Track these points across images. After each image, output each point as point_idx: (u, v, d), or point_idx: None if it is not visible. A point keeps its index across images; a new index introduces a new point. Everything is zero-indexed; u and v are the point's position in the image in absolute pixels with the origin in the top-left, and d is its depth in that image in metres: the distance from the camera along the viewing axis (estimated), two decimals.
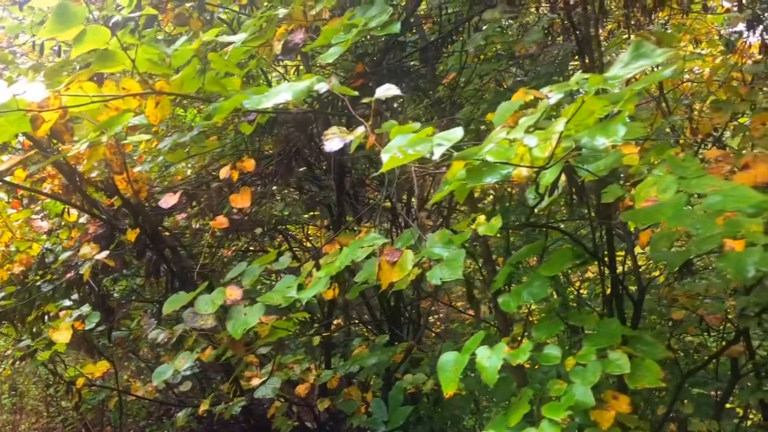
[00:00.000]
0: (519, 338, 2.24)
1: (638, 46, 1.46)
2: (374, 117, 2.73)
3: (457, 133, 1.55)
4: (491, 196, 5.00)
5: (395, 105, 4.29)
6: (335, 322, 5.68)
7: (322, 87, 2.17)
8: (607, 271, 3.59)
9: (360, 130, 2.08)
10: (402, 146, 1.62)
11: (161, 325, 3.13)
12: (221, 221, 2.93)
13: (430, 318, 5.86)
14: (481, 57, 4.06)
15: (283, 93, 2.10)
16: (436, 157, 1.51)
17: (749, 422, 4.79)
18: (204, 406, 3.19)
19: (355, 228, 4.07)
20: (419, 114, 3.91)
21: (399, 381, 3.56)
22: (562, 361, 1.93)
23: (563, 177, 2.12)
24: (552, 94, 1.47)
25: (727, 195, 1.78)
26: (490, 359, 1.86)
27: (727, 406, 5.14)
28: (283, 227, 4.69)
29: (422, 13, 4.05)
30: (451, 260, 2.08)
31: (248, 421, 3.77)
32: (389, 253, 2.20)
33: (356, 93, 2.22)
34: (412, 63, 3.91)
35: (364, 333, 5.11)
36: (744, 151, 3.71)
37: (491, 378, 1.84)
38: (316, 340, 3.23)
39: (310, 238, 5.06)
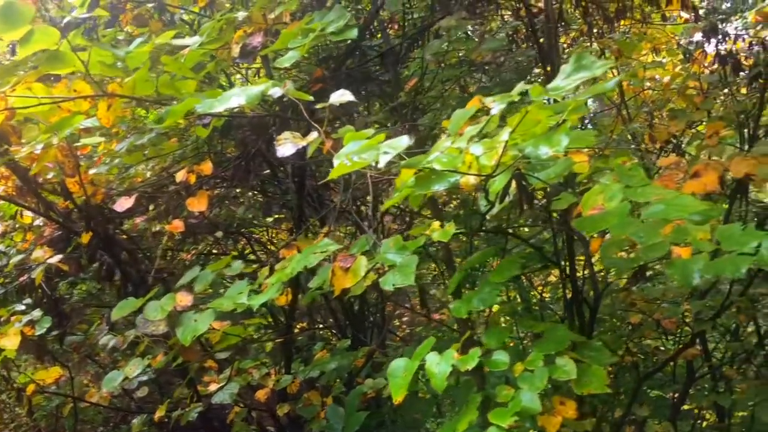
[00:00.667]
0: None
1: (579, 58, 1.48)
2: (330, 122, 2.73)
3: (403, 141, 1.56)
4: (456, 201, 5.04)
5: (360, 109, 4.29)
6: (299, 326, 5.67)
7: (276, 92, 2.16)
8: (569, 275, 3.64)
9: (313, 135, 2.07)
10: (349, 153, 1.62)
11: (118, 330, 3.08)
12: (177, 225, 2.90)
13: (396, 322, 5.86)
14: (444, 63, 4.09)
15: (235, 97, 2.09)
16: (381, 165, 1.52)
17: (705, 423, 4.90)
18: (160, 413, 3.14)
19: (318, 232, 4.06)
20: (384, 119, 3.92)
21: (359, 385, 3.55)
22: (511, 367, 1.95)
23: (514, 184, 2.15)
24: (495, 104, 1.49)
25: (670, 204, 1.81)
26: (439, 365, 1.87)
27: (685, 407, 5.26)
28: (246, 230, 4.65)
29: (387, 17, 4.06)
30: (404, 266, 2.08)
31: (207, 428, 3.72)
32: (343, 259, 2.20)
33: (311, 98, 2.21)
34: (377, 68, 3.91)
35: (328, 337, 5.10)
36: (700, 159, 3.80)
37: (440, 384, 1.84)
38: (269, 345, 3.21)
39: (274, 241, 5.02)
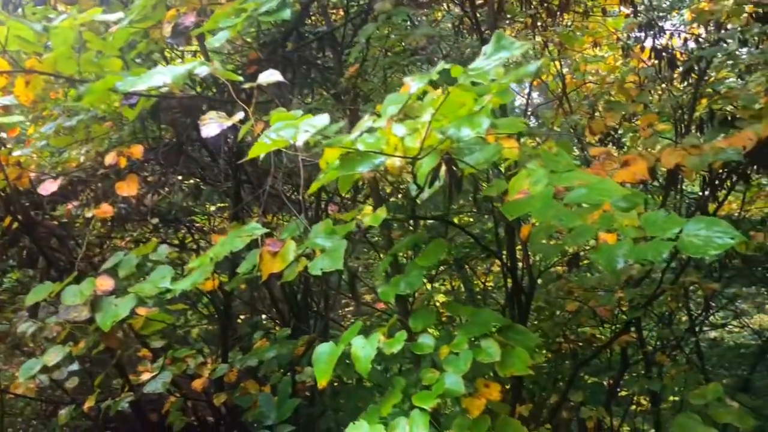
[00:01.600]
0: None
1: (499, 38, 1.48)
2: (265, 105, 2.68)
3: (322, 119, 1.53)
4: (403, 190, 5.04)
5: (304, 97, 4.24)
6: (241, 316, 5.59)
7: (203, 71, 2.11)
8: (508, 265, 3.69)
9: (239, 115, 2.02)
10: (268, 132, 1.59)
11: (45, 317, 2.96)
12: (105, 210, 2.80)
13: (340, 312, 5.84)
14: (389, 52, 4.07)
15: (159, 75, 2.02)
16: (299, 143, 1.49)
17: (640, 409, 5.04)
18: (89, 403, 3.05)
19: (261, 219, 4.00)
20: (329, 106, 3.88)
21: (297, 374, 3.52)
22: (437, 350, 1.95)
23: (443, 169, 2.15)
24: (414, 83, 1.48)
25: (592, 188, 1.84)
26: (364, 349, 1.86)
27: (623, 393, 5.41)
28: (188, 219, 4.55)
29: (329, 2, 4.01)
30: (333, 251, 2.06)
31: (141, 419, 3.63)
32: (271, 244, 2.16)
33: (240, 78, 2.16)
34: (320, 54, 3.86)
35: (271, 327, 5.03)
36: (634, 149, 3.89)
37: (364, 368, 1.83)
38: (195, 331, 3.14)
39: (216, 230, 4.93)
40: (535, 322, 4.51)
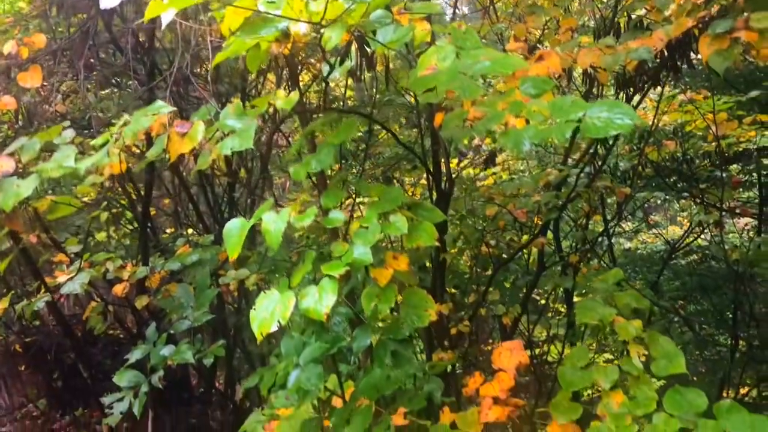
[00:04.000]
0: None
1: None
2: None
3: None
4: None
5: None
6: (167, 230, 5.52)
7: None
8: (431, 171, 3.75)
9: None
10: None
11: None
12: (7, 101, 2.66)
13: None
14: None
15: None
16: None
17: (556, 316, 5.34)
18: (2, 305, 2.99)
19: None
20: None
21: (221, 277, 3.53)
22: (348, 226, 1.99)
23: (354, 47, 2.14)
24: None
25: (495, 62, 1.87)
26: (275, 223, 1.87)
27: (542, 302, 5.68)
28: (103, 127, 4.37)
29: None
30: (243, 131, 2.04)
31: (62, 323, 3.59)
32: (180, 125, 2.12)
33: None
34: None
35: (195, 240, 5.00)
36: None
37: (275, 241, 1.85)
38: (104, 215, 3.09)
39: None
40: (459, 230, 4.65)
